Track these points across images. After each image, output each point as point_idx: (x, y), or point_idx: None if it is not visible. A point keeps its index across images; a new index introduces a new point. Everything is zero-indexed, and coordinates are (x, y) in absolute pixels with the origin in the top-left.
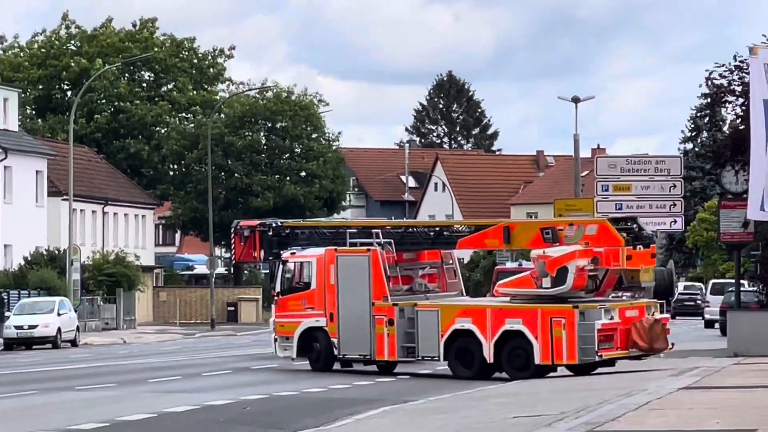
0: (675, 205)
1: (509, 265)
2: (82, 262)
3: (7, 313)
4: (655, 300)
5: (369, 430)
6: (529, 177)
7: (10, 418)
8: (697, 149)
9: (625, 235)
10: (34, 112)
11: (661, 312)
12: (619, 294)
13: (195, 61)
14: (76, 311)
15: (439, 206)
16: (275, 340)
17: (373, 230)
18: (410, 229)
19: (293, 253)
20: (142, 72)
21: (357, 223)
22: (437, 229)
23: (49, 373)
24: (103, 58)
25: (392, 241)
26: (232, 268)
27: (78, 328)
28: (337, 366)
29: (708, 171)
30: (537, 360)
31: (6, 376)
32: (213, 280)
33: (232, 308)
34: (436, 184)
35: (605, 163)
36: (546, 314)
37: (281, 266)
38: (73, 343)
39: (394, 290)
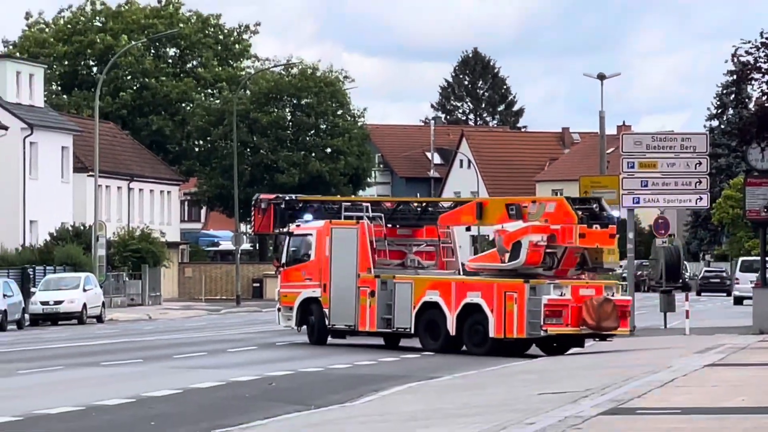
0: (700, 182)
1: None
2: (107, 238)
3: (32, 289)
4: (617, 281)
5: (394, 406)
6: (554, 154)
7: (36, 394)
8: (722, 126)
9: (580, 213)
10: (59, 88)
11: (624, 293)
12: (582, 274)
13: (220, 37)
14: (101, 287)
15: (464, 183)
16: (278, 310)
17: (365, 204)
18: (401, 206)
19: (298, 226)
20: (168, 48)
21: (363, 199)
22: (423, 205)
23: (74, 349)
24: (128, 35)
25: (382, 215)
26: (257, 244)
27: (103, 304)
28: (332, 341)
29: (734, 148)
30: (492, 333)
31: (32, 351)
32: (238, 256)
33: (258, 284)
34: (461, 160)
35: (631, 140)
36: (501, 288)
37: (288, 238)
38: (99, 319)
39: (382, 263)
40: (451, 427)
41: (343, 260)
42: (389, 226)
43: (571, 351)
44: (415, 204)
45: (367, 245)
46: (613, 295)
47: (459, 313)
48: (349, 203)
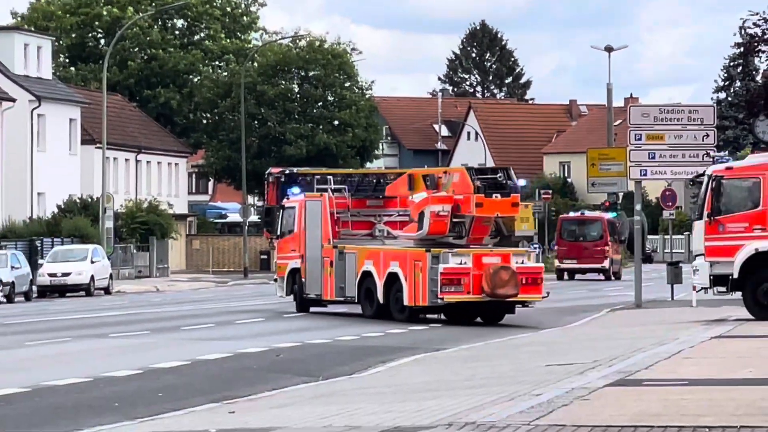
0: (708, 154)
1: (572, 214)
2: (115, 210)
3: (40, 261)
4: (529, 249)
5: (401, 377)
6: (562, 126)
7: (44, 365)
8: (730, 99)
9: (478, 183)
10: (67, 61)
11: (537, 261)
12: (500, 242)
13: (228, 9)
14: (109, 259)
15: (471, 155)
16: (275, 280)
17: (328, 176)
18: (366, 178)
19: (288, 199)
20: (175, 20)
21: (361, 171)
22: (378, 177)
23: (82, 321)
24: (135, 6)
25: (346, 187)
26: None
27: (111, 275)
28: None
29: (741, 120)
30: (405, 301)
31: (40, 323)
32: (246, 228)
33: (265, 256)
34: (468, 133)
35: (638, 112)
36: (412, 257)
37: (281, 211)
38: (107, 290)
39: (348, 234)
40: (459, 399)
41: (312, 232)
42: (360, 197)
43: (573, 324)
44: (373, 176)
45: (328, 217)
46: (523, 263)
47: (385, 281)
48: (329, 176)
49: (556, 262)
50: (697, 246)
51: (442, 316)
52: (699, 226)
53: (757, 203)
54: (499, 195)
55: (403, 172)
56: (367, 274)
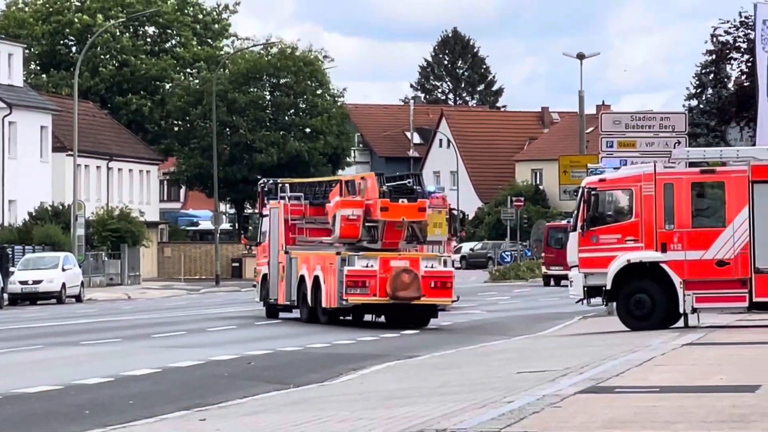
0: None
1: (560, 222)
2: (86, 217)
3: (11, 269)
4: (440, 254)
5: (373, 384)
6: (534, 133)
7: (14, 373)
8: (702, 106)
9: (386, 188)
10: (38, 68)
11: (446, 266)
12: (417, 247)
13: (200, 16)
14: (80, 267)
15: (443, 162)
16: (254, 285)
17: (286, 184)
18: (330, 185)
19: (265, 206)
20: (146, 27)
21: (334, 178)
22: (330, 184)
23: (53, 328)
24: (106, 13)
25: (301, 195)
26: (236, 224)
27: (82, 283)
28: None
29: (713, 128)
30: (323, 303)
31: (11, 331)
32: (218, 235)
33: (237, 264)
34: (441, 140)
35: (610, 119)
36: (328, 261)
37: (260, 218)
38: (78, 298)
39: (303, 241)
40: (430, 406)
41: (274, 239)
42: (319, 204)
43: (545, 332)
44: (335, 183)
45: (282, 224)
46: (432, 267)
47: (312, 285)
48: (287, 185)
49: (543, 269)
50: (572, 258)
51: (383, 318)
52: (573, 238)
53: (630, 214)
54: (405, 200)
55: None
56: (302, 279)
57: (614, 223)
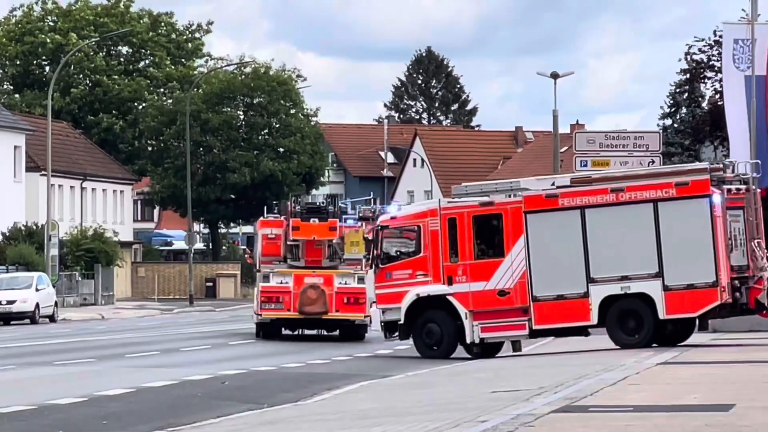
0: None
1: None
2: (60, 237)
3: None
4: (353, 271)
5: (347, 404)
6: (508, 152)
7: None
8: (676, 125)
9: (298, 208)
10: (12, 87)
11: (360, 283)
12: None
13: (173, 36)
14: (54, 287)
15: (417, 182)
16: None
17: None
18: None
19: None
20: (120, 47)
21: None
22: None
23: (27, 348)
24: (78, 33)
25: (278, 215)
26: (210, 244)
27: (56, 303)
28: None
29: (687, 147)
30: (253, 318)
31: None
32: (191, 255)
33: (211, 284)
34: (414, 159)
35: (584, 138)
36: (258, 279)
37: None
38: (52, 318)
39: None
40: (404, 425)
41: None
42: None
43: (524, 351)
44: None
45: (260, 243)
46: (346, 284)
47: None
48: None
49: None
50: (371, 294)
51: (324, 332)
52: (371, 275)
53: (419, 250)
54: (317, 219)
55: None
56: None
57: (405, 259)
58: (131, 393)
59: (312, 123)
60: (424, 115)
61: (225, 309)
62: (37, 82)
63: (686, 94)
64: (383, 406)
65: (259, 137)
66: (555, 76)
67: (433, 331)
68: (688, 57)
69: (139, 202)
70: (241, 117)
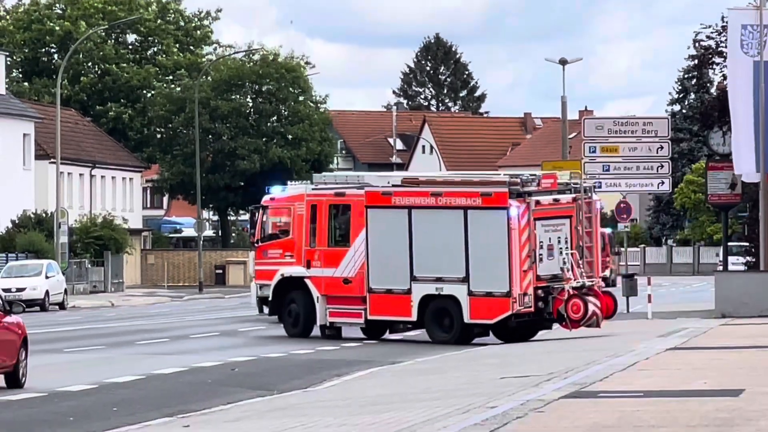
0: (662, 166)
1: None
2: (69, 225)
3: None
4: None
5: (356, 391)
6: (517, 139)
7: None
8: (684, 111)
9: None
10: (21, 75)
11: None
12: None
13: (181, 23)
14: (63, 274)
15: (426, 168)
16: None
17: None
18: None
19: None
20: (128, 35)
21: None
22: None
23: (37, 336)
24: (87, 21)
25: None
26: (219, 231)
27: (66, 290)
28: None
29: (695, 133)
30: None
31: None
32: (201, 242)
33: (220, 271)
34: (423, 146)
35: (592, 124)
36: None
37: None
38: (61, 305)
39: None
40: (413, 411)
41: None
42: None
43: (530, 337)
44: None
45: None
46: None
47: None
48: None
49: None
50: (251, 270)
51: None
52: (253, 252)
53: (289, 232)
54: None
55: None
56: None
57: (279, 239)
58: (141, 380)
59: (321, 110)
60: (433, 102)
61: (234, 296)
62: (46, 70)
63: (695, 80)
64: (392, 392)
65: (268, 124)
66: (563, 62)
67: (293, 310)
68: (696, 43)
69: (148, 189)
70: (250, 104)
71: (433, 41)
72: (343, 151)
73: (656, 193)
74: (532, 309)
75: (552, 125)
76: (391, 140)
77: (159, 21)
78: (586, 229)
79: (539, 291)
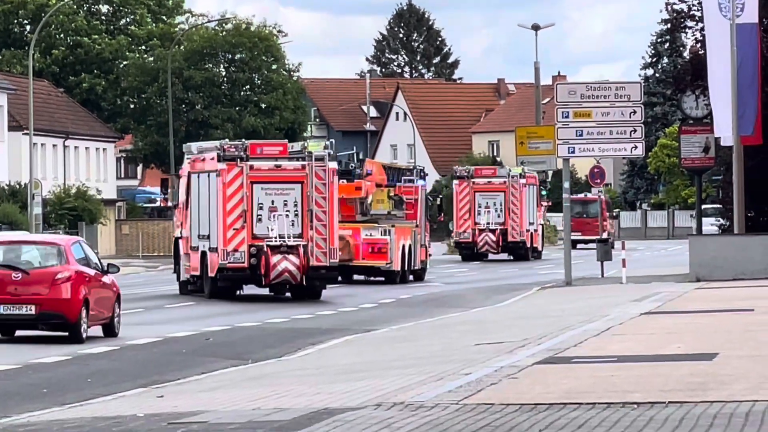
0: (635, 131)
1: (577, 195)
2: (43, 196)
3: None
4: (377, 224)
5: (331, 359)
6: (490, 105)
7: None
8: (657, 75)
9: None
10: None
11: (384, 235)
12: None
13: None
14: None
15: (400, 136)
16: None
17: None
18: None
19: None
20: (100, 4)
21: None
22: None
23: None
24: None
25: None
26: None
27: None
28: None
29: (669, 97)
30: None
31: None
32: (175, 212)
33: None
34: (397, 113)
35: (565, 90)
36: None
37: None
38: None
39: None
40: (388, 379)
41: None
42: None
43: (503, 303)
44: None
45: None
46: (371, 235)
47: None
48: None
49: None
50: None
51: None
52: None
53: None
54: (344, 180)
55: None
56: None
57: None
58: (116, 351)
59: (294, 78)
60: (407, 69)
61: None
62: (18, 41)
63: (667, 45)
64: (367, 360)
65: (241, 93)
66: (536, 27)
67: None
68: (669, 7)
69: (122, 159)
70: (223, 73)
71: (406, 8)
72: (317, 119)
73: (630, 158)
74: (245, 265)
75: (525, 91)
76: (364, 108)
77: None
78: (322, 195)
79: (252, 249)
